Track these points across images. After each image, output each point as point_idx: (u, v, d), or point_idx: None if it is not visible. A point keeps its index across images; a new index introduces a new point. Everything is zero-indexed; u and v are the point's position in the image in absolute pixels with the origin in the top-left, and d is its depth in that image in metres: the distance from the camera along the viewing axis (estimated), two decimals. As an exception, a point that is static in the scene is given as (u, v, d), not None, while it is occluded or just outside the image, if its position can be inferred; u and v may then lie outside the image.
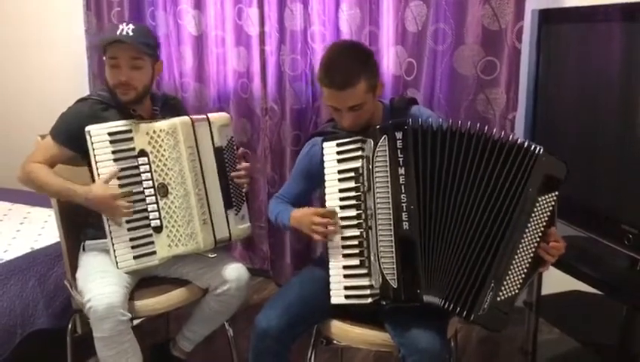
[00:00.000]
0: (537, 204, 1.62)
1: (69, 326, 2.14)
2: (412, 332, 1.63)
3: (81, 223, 2.09)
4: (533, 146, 1.64)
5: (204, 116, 2.06)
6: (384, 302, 1.66)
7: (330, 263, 1.75)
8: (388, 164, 1.66)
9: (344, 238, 1.74)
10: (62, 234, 2.15)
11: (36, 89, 3.82)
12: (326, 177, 1.79)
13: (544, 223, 1.63)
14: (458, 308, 1.63)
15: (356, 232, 1.72)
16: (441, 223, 1.65)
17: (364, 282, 1.70)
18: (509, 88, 2.51)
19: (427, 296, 1.63)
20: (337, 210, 1.75)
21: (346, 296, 1.72)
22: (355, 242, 1.72)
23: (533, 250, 1.63)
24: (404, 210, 1.64)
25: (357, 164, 1.73)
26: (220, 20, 3.06)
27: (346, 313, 1.79)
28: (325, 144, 1.80)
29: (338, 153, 1.77)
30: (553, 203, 1.62)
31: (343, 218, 1.74)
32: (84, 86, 3.43)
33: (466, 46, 2.53)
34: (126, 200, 1.89)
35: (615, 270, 1.96)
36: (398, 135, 1.66)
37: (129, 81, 1.94)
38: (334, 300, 1.74)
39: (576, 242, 2.17)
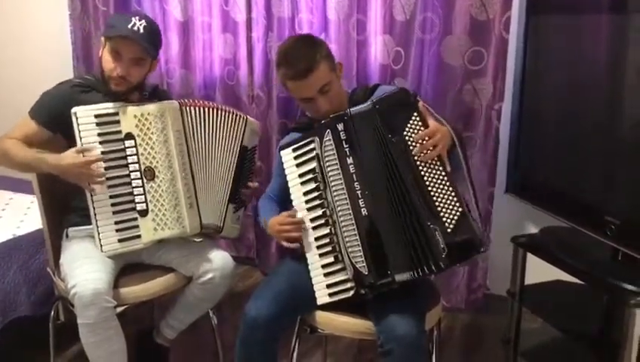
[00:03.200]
0: (406, 137, 1.66)
1: (52, 313, 2.13)
2: (389, 320, 1.64)
3: (65, 209, 2.08)
4: (367, 105, 1.71)
5: (244, 115, 2.13)
6: (363, 291, 1.68)
7: (309, 265, 1.78)
8: (336, 156, 1.71)
9: (317, 238, 1.77)
10: (44, 220, 2.13)
11: (20, 72, 3.76)
12: (289, 184, 1.83)
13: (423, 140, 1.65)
14: (427, 269, 1.62)
15: (326, 230, 1.75)
16: (386, 200, 1.67)
17: (342, 276, 1.72)
18: (495, 78, 2.51)
19: (398, 275, 1.64)
20: (305, 213, 1.79)
21: (330, 294, 1.75)
22: (327, 240, 1.75)
23: (439, 169, 1.64)
24: (360, 196, 1.69)
25: (313, 164, 1.77)
26: (207, 6, 3.03)
27: (333, 303, 1.79)
28: (282, 152, 1.85)
29: (295, 158, 1.82)
30: (418, 122, 1.65)
31: (312, 219, 1.78)
32: (68, 70, 3.38)
33: (454, 36, 2.53)
34: (100, 170, 1.88)
35: (597, 260, 1.98)
36: (340, 127, 1.72)
37: (126, 76, 1.94)
38: (320, 301, 1.76)
39: (559, 232, 2.19)
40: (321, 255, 1.76)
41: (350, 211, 1.70)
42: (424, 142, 1.64)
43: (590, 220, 1.94)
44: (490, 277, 2.80)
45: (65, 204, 2.06)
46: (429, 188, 1.64)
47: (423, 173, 1.65)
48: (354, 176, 1.70)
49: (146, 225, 1.95)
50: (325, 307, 1.80)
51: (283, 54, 1.82)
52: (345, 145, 1.71)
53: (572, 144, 2.07)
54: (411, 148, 1.66)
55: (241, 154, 2.11)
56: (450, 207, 1.62)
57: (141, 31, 1.91)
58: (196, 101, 2.07)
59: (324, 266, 1.76)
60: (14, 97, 3.71)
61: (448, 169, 1.64)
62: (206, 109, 2.05)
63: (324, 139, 1.74)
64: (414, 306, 1.70)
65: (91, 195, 1.90)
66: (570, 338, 2.13)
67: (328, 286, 1.75)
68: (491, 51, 2.49)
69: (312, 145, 1.77)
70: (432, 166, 1.64)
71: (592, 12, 1.99)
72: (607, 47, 1.93)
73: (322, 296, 1.76)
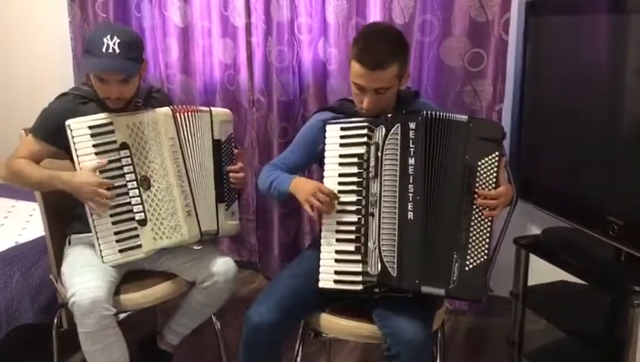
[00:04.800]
0: (479, 167, 1.67)
1: (55, 320, 2.12)
2: (397, 323, 1.63)
3: (67, 216, 2.07)
4: (460, 117, 1.70)
5: (208, 108, 2.07)
6: (377, 290, 1.66)
7: (322, 246, 1.75)
8: (399, 153, 1.67)
9: (340, 223, 1.73)
10: (47, 227, 2.13)
11: (21, 79, 3.77)
12: (326, 160, 1.78)
13: (492, 185, 1.67)
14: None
15: (354, 218, 1.72)
16: (439, 214, 1.67)
17: (357, 268, 1.69)
18: (495, 80, 2.51)
19: (425, 287, 1.64)
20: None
21: (336, 281, 1.72)
22: (352, 228, 1.72)
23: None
24: (410, 200, 1.66)
25: (361, 149, 1.73)
26: (206, 11, 3.04)
27: (335, 302, 1.79)
28: (329, 127, 1.79)
29: (341, 137, 1.77)
30: (496, 163, 1.67)
31: (340, 202, 1.74)
32: (69, 76, 3.40)
33: (453, 38, 2.53)
34: (109, 192, 1.87)
35: (600, 260, 1.98)
36: (412, 125, 1.68)
37: (120, 96, 1.92)
38: (322, 284, 1.73)
39: (561, 233, 2.18)
40: (339, 240, 1.73)
41: (396, 210, 1.66)
42: (487, 198, 1.67)
43: (593, 221, 1.94)
44: (493, 278, 2.78)
45: (67, 211, 2.05)
46: (472, 224, 1.66)
47: (475, 207, 1.66)
48: (410, 177, 1.66)
49: (145, 235, 1.94)
50: (329, 310, 1.80)
51: (367, 35, 1.78)
52: (411, 145, 1.67)
53: (573, 144, 2.07)
54: (478, 180, 1.67)
55: (216, 149, 2.06)
56: (480, 250, 1.65)
57: (117, 50, 1.84)
58: (188, 107, 2.04)
59: (339, 252, 1.72)
60: (16, 103, 3.73)
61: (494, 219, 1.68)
62: (188, 114, 2.01)
63: (391, 131, 1.68)
64: (421, 310, 1.70)
65: (90, 207, 1.89)
66: (574, 339, 2.12)
67: (337, 272, 1.71)
68: (491, 53, 2.49)
69: (363, 131, 1.73)
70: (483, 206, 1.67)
71: (591, 13, 1.99)
72: (607, 47, 1.93)
73: (327, 281, 1.72)
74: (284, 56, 2.86)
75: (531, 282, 2.24)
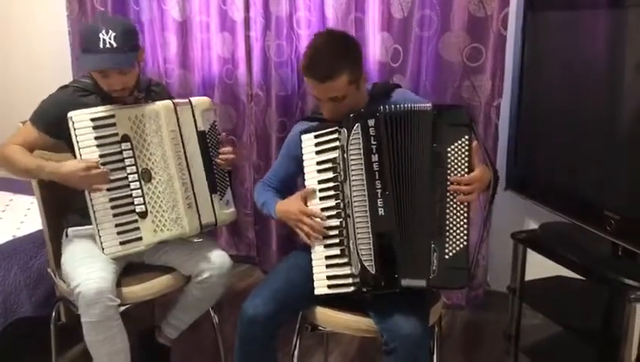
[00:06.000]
0: (448, 154, 1.66)
1: (53, 314, 2.13)
2: (394, 318, 1.64)
3: (64, 210, 2.08)
4: (424, 107, 1.69)
5: (187, 100, 2.05)
6: (365, 290, 1.67)
7: (312, 254, 1.77)
8: (362, 152, 1.68)
9: (325, 228, 1.75)
10: (44, 221, 2.13)
11: (19, 74, 3.76)
12: (305, 169, 1.81)
13: (464, 170, 1.66)
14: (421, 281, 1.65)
15: (336, 222, 1.74)
16: (411, 205, 1.67)
17: (346, 271, 1.71)
18: (494, 75, 2.51)
19: (405, 280, 1.64)
20: (317, 201, 1.77)
21: (329, 286, 1.74)
22: (336, 232, 1.74)
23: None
24: (379, 196, 1.66)
25: (334, 154, 1.74)
26: (205, 6, 3.03)
27: (331, 300, 1.80)
28: (303, 136, 1.81)
29: (316, 145, 1.79)
30: (466, 148, 1.65)
31: (323, 209, 1.76)
32: (67, 70, 3.39)
33: (452, 32, 2.52)
34: (102, 169, 1.86)
35: (597, 256, 1.98)
36: (371, 122, 1.67)
37: (124, 85, 1.93)
38: (318, 291, 1.75)
39: (559, 228, 2.19)
40: (326, 245, 1.75)
41: (367, 208, 1.66)
42: (460, 184, 1.65)
43: (590, 216, 1.94)
44: (490, 273, 2.80)
45: (65, 204, 2.06)
46: (447, 211, 1.65)
47: (449, 194, 1.65)
48: (376, 173, 1.67)
49: (146, 227, 1.95)
50: (325, 304, 1.80)
51: (311, 49, 1.77)
52: (373, 142, 1.67)
53: (571, 139, 2.07)
54: (449, 166, 1.66)
55: (201, 140, 2.05)
56: (458, 237, 1.64)
57: (114, 44, 1.84)
58: (179, 100, 2.05)
59: (328, 257, 1.74)
60: (14, 98, 3.72)
61: (471, 204, 1.66)
62: (177, 107, 2.02)
63: (352, 132, 1.68)
64: (418, 305, 1.70)
65: (91, 199, 1.89)
66: (571, 334, 2.13)
67: (329, 277, 1.73)
68: (490, 48, 2.49)
69: (335, 135, 1.74)
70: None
71: (589, 8, 1.99)
72: (606, 42, 1.94)
73: (321, 287, 1.75)
74: (282, 51, 2.86)
75: (528, 277, 2.25)
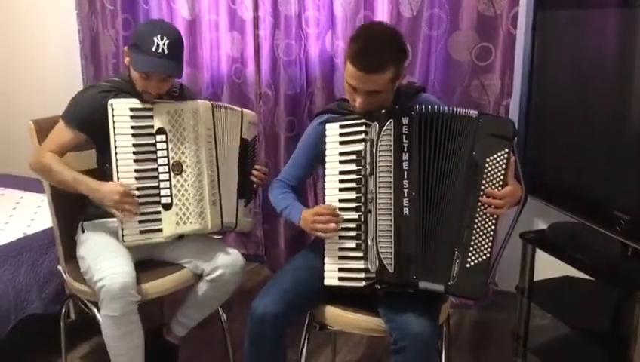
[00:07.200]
0: (487, 165, 1.66)
1: (63, 311, 2.14)
2: (404, 317, 1.64)
3: (76, 208, 2.09)
4: (469, 113, 1.69)
5: (239, 109, 2.17)
6: (378, 286, 1.66)
7: (326, 244, 1.76)
8: (392, 149, 1.67)
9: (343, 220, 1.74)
10: (55, 219, 2.15)
11: (29, 73, 3.77)
12: (327, 158, 1.79)
13: (499, 183, 1.66)
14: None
15: (354, 215, 1.72)
16: (438, 209, 1.66)
17: (359, 265, 1.70)
18: (503, 74, 2.51)
19: (423, 282, 1.64)
20: (336, 191, 1.75)
21: (340, 278, 1.72)
22: (353, 225, 1.72)
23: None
24: (406, 195, 1.65)
25: (359, 147, 1.72)
26: (214, 4, 3.03)
27: (339, 297, 1.80)
28: (328, 125, 1.80)
29: (341, 135, 1.77)
30: (504, 161, 1.65)
31: (341, 200, 1.74)
32: (76, 70, 3.40)
33: (461, 32, 2.52)
34: (134, 198, 1.91)
35: (607, 256, 1.97)
36: (405, 120, 1.66)
37: (159, 91, 1.98)
38: (327, 281, 1.74)
39: (568, 228, 2.18)
40: (342, 237, 1.73)
41: (391, 206, 1.65)
42: (493, 198, 1.66)
43: (599, 216, 1.93)
44: (498, 273, 2.79)
45: (76, 200, 2.07)
46: (475, 221, 1.65)
47: (480, 204, 1.66)
48: (405, 173, 1.66)
49: (168, 219, 1.97)
50: (334, 302, 1.80)
51: (364, 37, 1.74)
52: (404, 141, 1.66)
53: (580, 139, 2.06)
54: (485, 177, 1.66)
55: (243, 147, 2.13)
56: (482, 248, 1.65)
57: (166, 51, 1.90)
58: (221, 103, 2.15)
59: (341, 249, 1.73)
60: (23, 97, 3.74)
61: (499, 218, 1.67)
62: (222, 110, 2.10)
63: (384, 128, 1.67)
64: (427, 304, 1.70)
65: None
66: (580, 334, 2.12)
67: (341, 269, 1.72)
68: (499, 47, 2.48)
69: (362, 128, 1.72)
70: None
71: (599, 7, 1.98)
72: (616, 41, 1.92)
73: (331, 278, 1.73)
74: (291, 50, 2.86)
75: (537, 277, 2.24)
